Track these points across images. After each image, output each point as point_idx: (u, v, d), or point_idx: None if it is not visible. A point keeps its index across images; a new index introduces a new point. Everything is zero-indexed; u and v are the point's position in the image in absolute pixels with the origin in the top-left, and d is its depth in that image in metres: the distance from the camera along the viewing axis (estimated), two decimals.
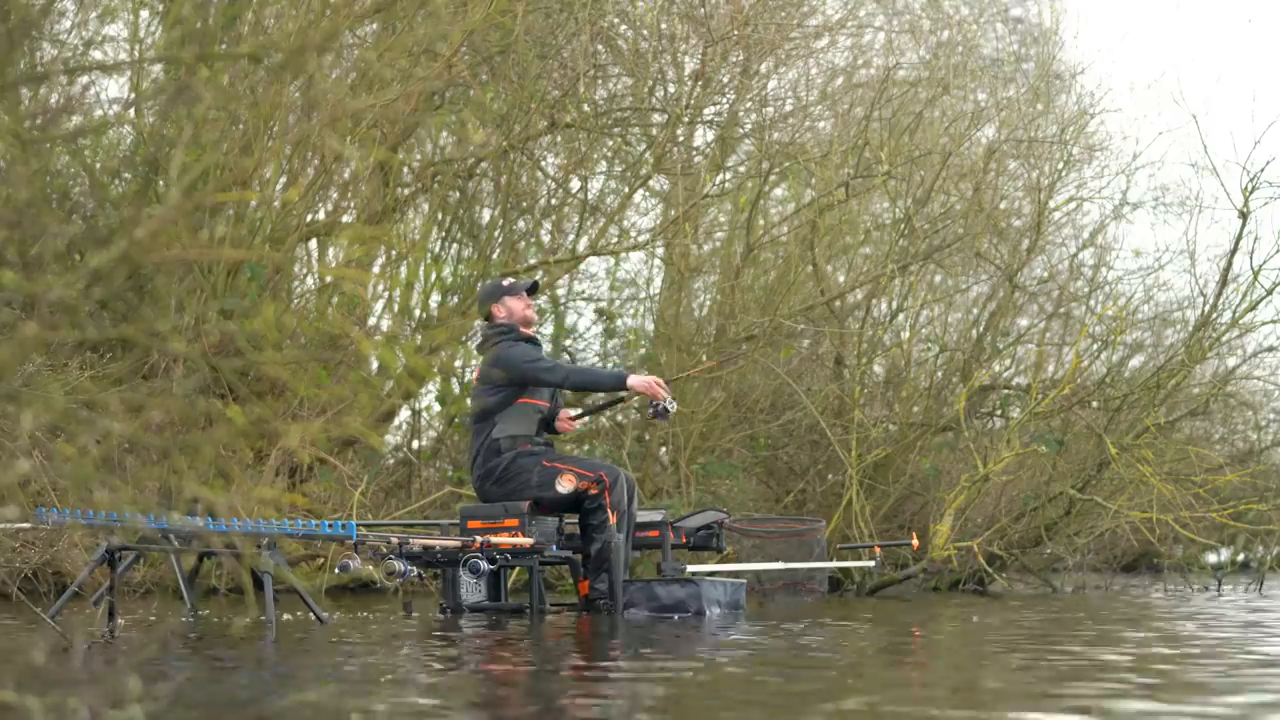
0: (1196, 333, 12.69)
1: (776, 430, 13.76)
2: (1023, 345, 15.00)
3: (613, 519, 8.27)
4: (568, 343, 14.72)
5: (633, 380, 8.40)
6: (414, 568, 7.85)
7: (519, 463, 8.33)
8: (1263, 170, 12.30)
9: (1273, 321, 12.75)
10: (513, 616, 8.30)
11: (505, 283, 8.74)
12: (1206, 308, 12.64)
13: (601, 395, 8.75)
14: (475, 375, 8.90)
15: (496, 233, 13.74)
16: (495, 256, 13.49)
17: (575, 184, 13.92)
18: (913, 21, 14.57)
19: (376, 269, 13.48)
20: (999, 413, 14.42)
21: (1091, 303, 14.81)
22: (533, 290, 8.81)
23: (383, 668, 5.18)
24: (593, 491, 8.27)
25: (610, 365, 14.94)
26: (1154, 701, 4.11)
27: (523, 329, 8.57)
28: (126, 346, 10.43)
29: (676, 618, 8.13)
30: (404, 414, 13.95)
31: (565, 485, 8.27)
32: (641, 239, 14.09)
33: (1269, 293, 12.32)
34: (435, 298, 13.66)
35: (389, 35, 11.74)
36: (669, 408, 8.39)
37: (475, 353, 9.91)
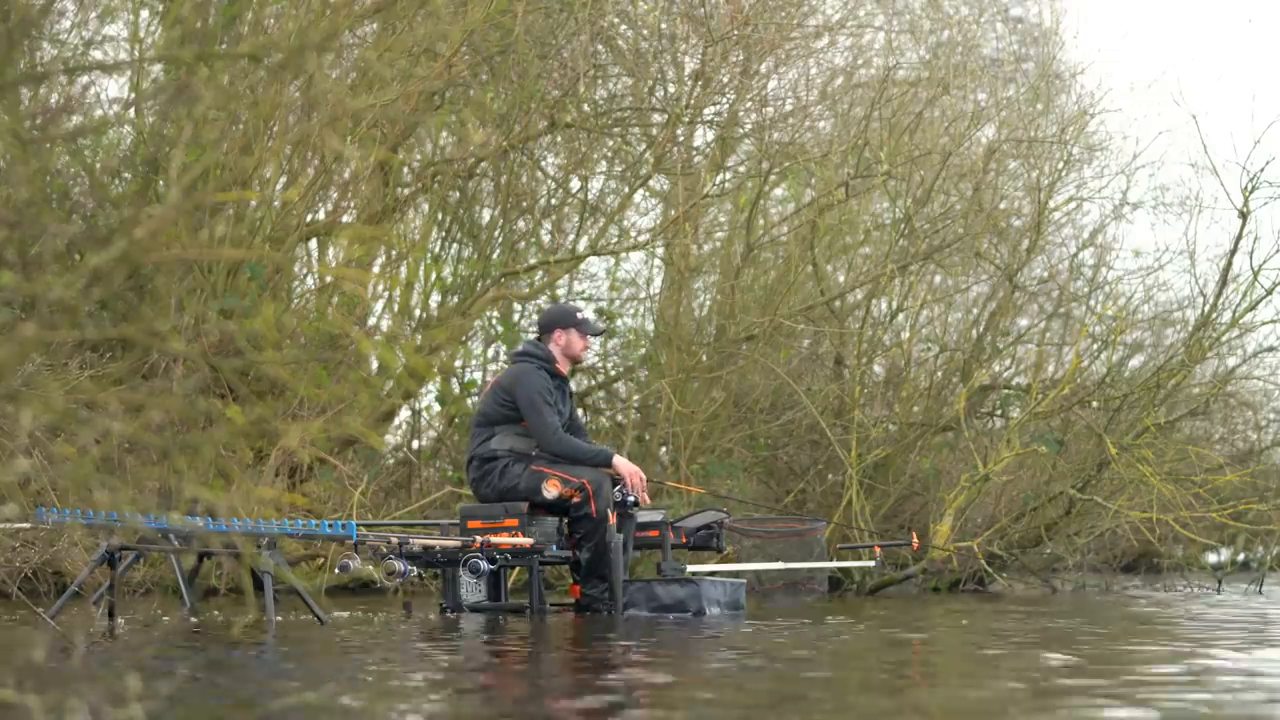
0: (1196, 333, 12.68)
1: (776, 430, 13.76)
2: (1023, 345, 15.00)
3: (612, 519, 8.26)
4: None
5: (617, 461, 8.35)
6: (414, 568, 7.84)
7: (511, 468, 8.32)
8: (1263, 170, 12.31)
9: (1273, 321, 12.76)
10: (513, 616, 8.30)
11: (579, 315, 8.57)
12: (1206, 308, 12.64)
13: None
14: (494, 379, 8.82)
15: (496, 233, 13.74)
16: (495, 256, 13.50)
17: (575, 184, 13.92)
18: (913, 21, 14.58)
19: (376, 269, 13.48)
20: (999, 413, 14.42)
21: (1091, 303, 14.81)
22: (599, 335, 8.75)
23: (383, 668, 5.18)
24: (575, 500, 8.22)
25: (610, 366, 14.94)
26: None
27: (562, 364, 8.50)
28: (126, 346, 10.43)
29: (673, 618, 8.13)
30: (404, 414, 13.96)
31: (550, 491, 8.24)
32: (641, 239, 14.10)
33: (1269, 293, 12.32)
34: (435, 298, 13.66)
35: (389, 35, 11.73)
36: (636, 500, 8.38)
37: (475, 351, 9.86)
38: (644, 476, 8.43)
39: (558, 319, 8.55)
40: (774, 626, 7.41)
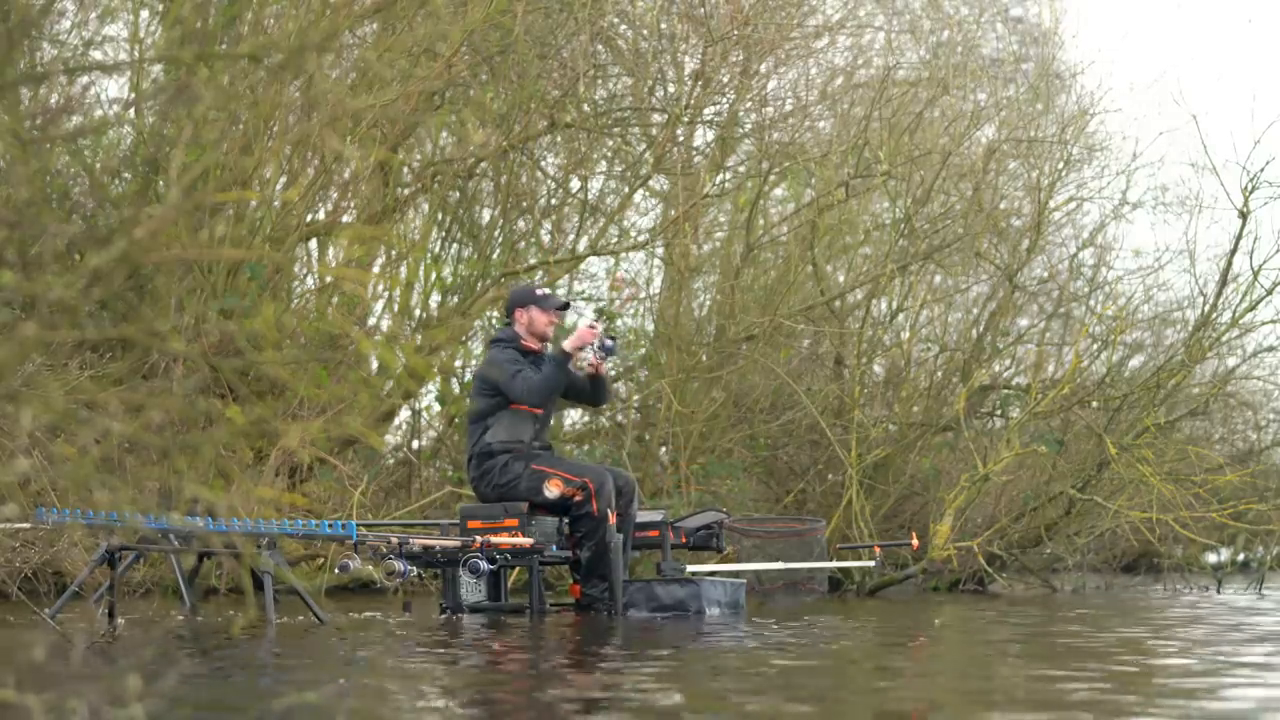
0: (1196, 333, 12.68)
1: (776, 430, 13.76)
2: (1023, 345, 15.00)
3: (612, 519, 8.26)
4: None
5: (568, 344, 8.35)
6: (414, 568, 7.84)
7: (511, 467, 8.30)
8: (1263, 170, 12.32)
9: (1273, 321, 12.76)
10: (513, 616, 8.29)
11: (539, 292, 8.60)
12: (1206, 308, 12.64)
13: (573, 383, 8.62)
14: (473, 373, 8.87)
15: (496, 233, 13.74)
16: (495, 256, 13.50)
17: (575, 184, 13.92)
18: (913, 21, 14.58)
19: (376, 269, 13.48)
20: (999, 413, 14.42)
21: (1091, 303, 14.81)
22: (563, 309, 8.74)
23: (382, 668, 5.18)
24: (578, 498, 8.21)
25: (610, 366, 14.93)
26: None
27: (530, 342, 8.49)
28: (126, 346, 10.43)
29: (672, 615, 8.13)
30: (404, 414, 13.95)
31: (552, 490, 8.23)
32: (641, 239, 14.10)
33: (1269, 292, 12.32)
34: (435, 298, 13.66)
35: (389, 35, 11.74)
36: (609, 343, 8.37)
37: (475, 352, 9.86)
38: (592, 326, 8.41)
39: (518, 300, 8.60)
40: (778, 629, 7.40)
